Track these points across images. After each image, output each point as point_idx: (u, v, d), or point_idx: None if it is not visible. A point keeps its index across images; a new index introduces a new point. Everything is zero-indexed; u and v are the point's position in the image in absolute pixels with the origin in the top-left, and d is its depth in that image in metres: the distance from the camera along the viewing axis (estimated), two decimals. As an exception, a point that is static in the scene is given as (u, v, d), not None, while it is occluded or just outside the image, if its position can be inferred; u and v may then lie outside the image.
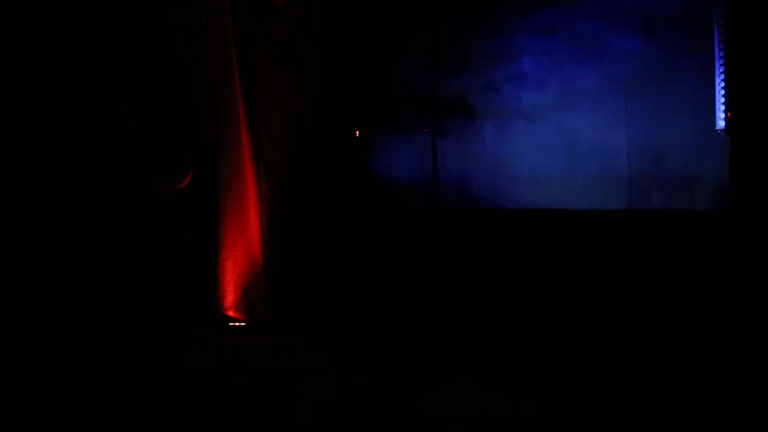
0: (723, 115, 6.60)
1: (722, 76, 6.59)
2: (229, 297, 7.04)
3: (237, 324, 7.03)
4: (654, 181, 6.86)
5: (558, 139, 7.09)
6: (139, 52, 6.61)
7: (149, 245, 6.55)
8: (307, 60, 7.21)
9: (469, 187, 7.27)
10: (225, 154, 7.03)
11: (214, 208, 6.99)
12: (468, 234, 7.16)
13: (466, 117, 7.34)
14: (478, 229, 7.15)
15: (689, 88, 6.76)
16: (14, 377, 5.36)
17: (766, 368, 5.35)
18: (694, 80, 6.75)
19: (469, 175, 7.30)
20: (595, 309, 6.55)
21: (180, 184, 6.78)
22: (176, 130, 6.82)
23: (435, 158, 7.38)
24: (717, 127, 6.64)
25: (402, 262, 7.17)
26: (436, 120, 7.42)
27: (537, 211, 7.07)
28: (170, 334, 6.42)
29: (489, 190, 7.22)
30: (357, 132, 7.44)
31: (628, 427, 4.71)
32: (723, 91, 6.59)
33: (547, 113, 7.10)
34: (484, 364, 5.86)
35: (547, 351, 6.03)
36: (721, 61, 6.60)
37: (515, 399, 5.12)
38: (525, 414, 4.88)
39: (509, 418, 4.83)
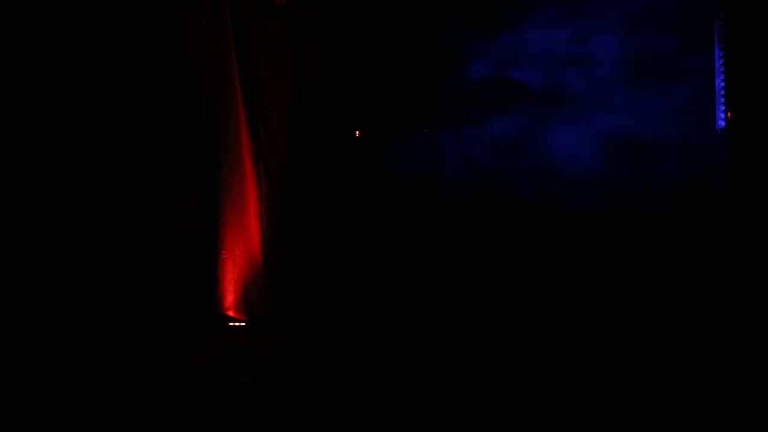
0: (723, 115, 6.60)
1: (722, 76, 6.59)
2: (229, 297, 7.04)
3: (237, 324, 7.03)
4: (652, 181, 6.85)
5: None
6: (139, 53, 6.62)
7: (149, 245, 6.55)
8: (308, 60, 7.21)
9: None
10: (225, 154, 7.04)
11: (214, 208, 7.00)
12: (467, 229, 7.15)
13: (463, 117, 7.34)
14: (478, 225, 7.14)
15: (689, 87, 6.75)
16: (14, 377, 5.36)
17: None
18: (693, 79, 6.74)
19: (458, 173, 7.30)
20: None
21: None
22: (177, 130, 6.82)
23: (433, 157, 7.38)
24: (717, 127, 6.63)
25: (403, 260, 7.16)
26: (436, 120, 7.42)
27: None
28: (170, 335, 6.42)
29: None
30: (357, 132, 7.44)
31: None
32: (723, 91, 6.59)
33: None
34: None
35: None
36: (721, 61, 6.59)
37: None
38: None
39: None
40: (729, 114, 6.55)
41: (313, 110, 7.20)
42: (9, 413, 4.87)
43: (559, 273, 6.76)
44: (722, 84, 6.59)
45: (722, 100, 6.59)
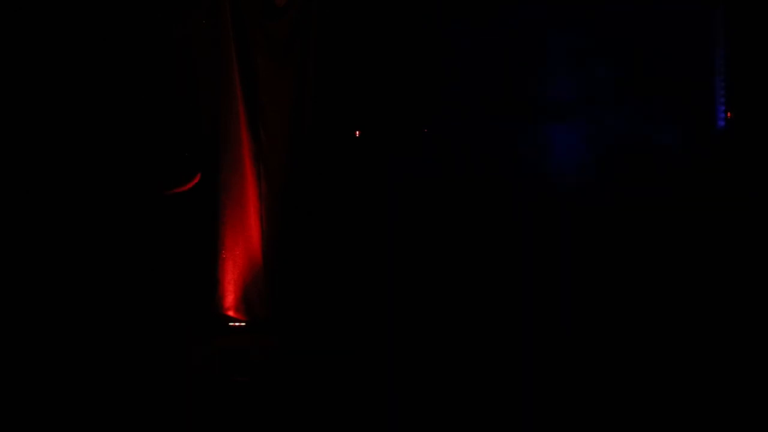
0: (723, 115, 6.59)
1: (722, 76, 6.59)
2: (229, 297, 7.04)
3: (237, 324, 7.03)
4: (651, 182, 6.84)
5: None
6: (139, 53, 6.62)
7: (149, 245, 6.55)
8: (308, 60, 7.21)
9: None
10: (225, 154, 7.04)
11: (214, 208, 7.00)
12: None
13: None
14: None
15: (689, 87, 6.75)
16: (14, 376, 5.36)
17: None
18: (693, 79, 6.74)
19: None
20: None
21: (184, 186, 6.78)
22: (177, 131, 6.82)
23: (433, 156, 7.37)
24: (717, 127, 6.62)
25: (401, 258, 7.15)
26: (436, 119, 7.42)
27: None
28: (170, 334, 6.42)
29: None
30: (357, 132, 7.44)
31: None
32: (723, 91, 6.59)
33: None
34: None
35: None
36: (721, 61, 6.59)
37: None
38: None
39: None
40: (729, 114, 6.55)
41: (313, 110, 7.20)
42: (9, 412, 4.87)
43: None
44: (722, 84, 6.59)
45: (722, 100, 6.59)
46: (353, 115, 7.39)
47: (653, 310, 6.37)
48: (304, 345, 6.47)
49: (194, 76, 6.94)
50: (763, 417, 5.01)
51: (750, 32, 6.40)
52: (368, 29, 7.32)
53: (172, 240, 6.74)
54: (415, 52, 7.37)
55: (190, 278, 6.84)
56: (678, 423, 5.04)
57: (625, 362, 5.72)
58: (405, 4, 7.33)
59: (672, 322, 6.25)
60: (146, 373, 5.62)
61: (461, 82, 7.33)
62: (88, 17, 6.41)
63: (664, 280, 6.51)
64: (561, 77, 7.10)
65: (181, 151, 6.86)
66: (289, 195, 7.15)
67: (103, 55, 6.47)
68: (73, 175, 6.28)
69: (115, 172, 6.48)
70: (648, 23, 6.90)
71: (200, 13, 6.98)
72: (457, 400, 5.20)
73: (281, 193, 7.16)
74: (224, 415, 4.99)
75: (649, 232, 6.68)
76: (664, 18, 6.85)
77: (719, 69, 6.63)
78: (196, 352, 6.25)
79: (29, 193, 6.11)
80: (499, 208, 7.00)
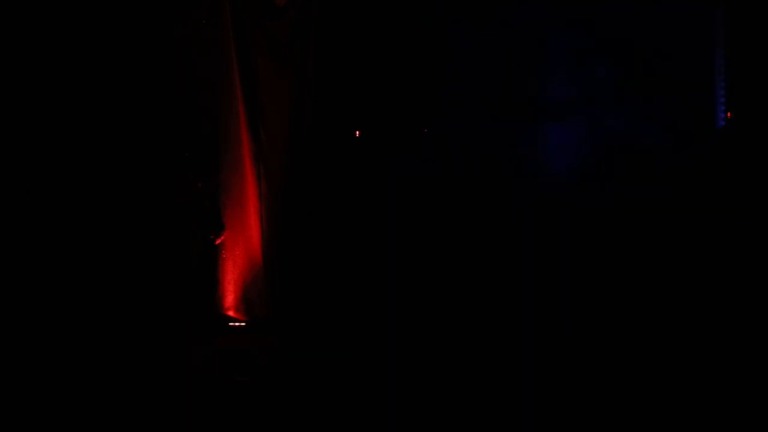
0: (723, 115, 6.59)
1: (722, 76, 6.59)
2: (229, 297, 7.05)
3: (237, 324, 7.03)
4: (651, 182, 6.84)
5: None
6: (139, 53, 6.63)
7: (149, 245, 6.55)
8: (308, 60, 7.22)
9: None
10: (225, 154, 7.05)
11: (214, 208, 7.01)
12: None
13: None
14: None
15: (689, 87, 6.75)
16: (16, 375, 5.37)
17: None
18: (693, 79, 6.74)
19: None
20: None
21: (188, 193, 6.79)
22: (177, 131, 6.83)
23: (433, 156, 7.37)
24: (717, 127, 6.63)
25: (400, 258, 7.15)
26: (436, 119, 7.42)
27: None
28: (170, 334, 6.43)
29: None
30: (357, 132, 7.44)
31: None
32: (723, 91, 6.59)
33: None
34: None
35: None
36: (721, 61, 6.59)
37: None
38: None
39: None
40: (729, 114, 6.55)
41: (313, 110, 7.21)
42: (10, 412, 4.87)
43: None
44: (722, 84, 6.59)
45: (722, 100, 6.59)
46: (353, 115, 7.39)
47: (653, 310, 6.37)
48: (304, 345, 6.47)
49: (194, 76, 6.95)
50: (763, 417, 5.01)
51: (750, 32, 6.41)
52: (368, 29, 7.32)
53: (173, 240, 6.75)
54: (415, 52, 7.37)
55: (190, 278, 6.84)
56: (677, 422, 5.04)
57: (624, 361, 5.72)
58: (405, 4, 7.33)
59: (671, 322, 6.25)
60: (147, 373, 5.62)
61: (461, 82, 7.33)
62: (88, 17, 6.41)
63: (664, 280, 6.51)
64: (561, 77, 7.10)
65: (181, 151, 6.87)
66: (289, 195, 7.15)
67: (103, 55, 6.47)
68: (72, 176, 6.28)
69: (115, 172, 6.49)
70: (648, 23, 6.89)
71: (200, 13, 7.00)
72: (458, 400, 5.20)
73: (281, 193, 7.16)
74: (224, 415, 4.99)
75: (649, 231, 6.68)
76: (664, 18, 6.84)
77: (719, 69, 6.63)
78: (196, 352, 6.26)
79: (29, 193, 6.12)
80: (499, 208, 6.99)
